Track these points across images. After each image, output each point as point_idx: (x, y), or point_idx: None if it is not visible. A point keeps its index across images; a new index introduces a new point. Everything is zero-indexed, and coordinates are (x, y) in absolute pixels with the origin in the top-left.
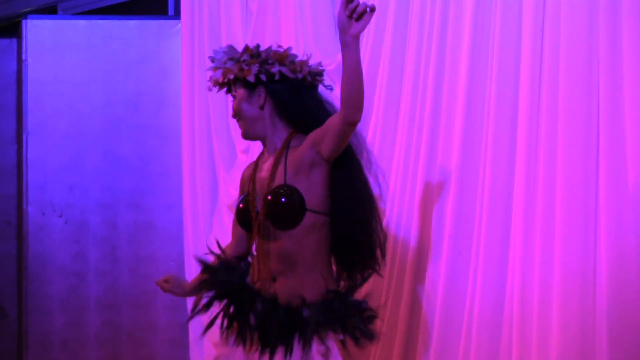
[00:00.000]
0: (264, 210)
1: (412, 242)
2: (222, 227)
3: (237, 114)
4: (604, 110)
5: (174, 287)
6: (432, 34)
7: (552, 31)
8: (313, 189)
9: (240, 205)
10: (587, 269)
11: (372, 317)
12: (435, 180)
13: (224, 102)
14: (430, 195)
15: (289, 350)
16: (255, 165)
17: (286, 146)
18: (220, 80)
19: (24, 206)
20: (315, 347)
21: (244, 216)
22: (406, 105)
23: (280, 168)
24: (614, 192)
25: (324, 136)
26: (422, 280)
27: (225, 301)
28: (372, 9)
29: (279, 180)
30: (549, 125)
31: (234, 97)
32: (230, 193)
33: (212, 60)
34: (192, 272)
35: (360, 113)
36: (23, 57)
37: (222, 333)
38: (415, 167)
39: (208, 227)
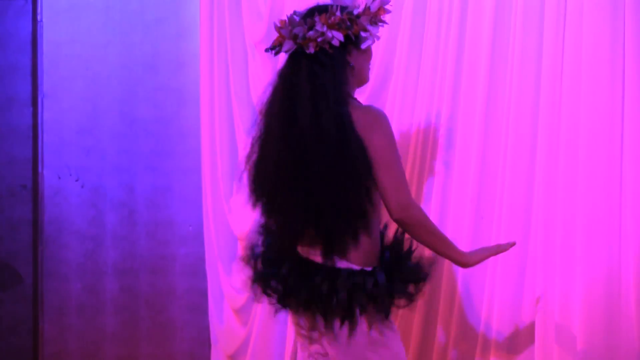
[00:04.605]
0: None
1: (435, 206)
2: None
3: None
4: (629, 96)
5: None
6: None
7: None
8: None
9: None
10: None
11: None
12: (457, 145)
13: (243, 62)
14: (452, 159)
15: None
16: None
17: None
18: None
19: (40, 169)
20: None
21: None
22: (427, 66)
23: None
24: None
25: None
26: None
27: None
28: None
29: None
30: (570, 101)
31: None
32: None
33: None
34: (210, 237)
35: None
36: (38, 17)
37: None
38: (436, 130)
39: (228, 192)
